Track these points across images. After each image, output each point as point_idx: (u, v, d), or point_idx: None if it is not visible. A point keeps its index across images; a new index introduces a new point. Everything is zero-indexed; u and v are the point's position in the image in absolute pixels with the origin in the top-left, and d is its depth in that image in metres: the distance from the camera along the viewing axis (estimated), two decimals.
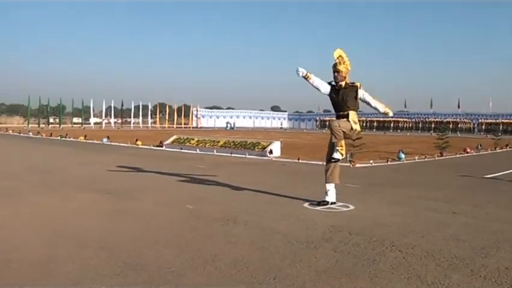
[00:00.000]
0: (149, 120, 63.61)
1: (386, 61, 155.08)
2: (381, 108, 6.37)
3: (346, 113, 6.23)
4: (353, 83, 6.27)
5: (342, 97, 6.23)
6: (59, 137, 27.34)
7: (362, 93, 6.22)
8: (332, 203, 6.15)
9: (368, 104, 6.31)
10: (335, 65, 6.23)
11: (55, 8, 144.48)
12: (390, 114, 6.47)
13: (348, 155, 11.79)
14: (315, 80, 6.21)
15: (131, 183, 8.17)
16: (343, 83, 6.24)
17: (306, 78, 6.13)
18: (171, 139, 19.32)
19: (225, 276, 3.37)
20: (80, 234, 4.55)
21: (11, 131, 36.27)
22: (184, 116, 65.51)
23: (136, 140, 21.02)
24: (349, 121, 6.20)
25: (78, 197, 6.74)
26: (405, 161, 13.97)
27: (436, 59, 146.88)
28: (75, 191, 7.30)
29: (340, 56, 6.25)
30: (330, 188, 6.23)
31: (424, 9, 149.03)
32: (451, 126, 54.08)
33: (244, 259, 3.76)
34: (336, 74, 6.24)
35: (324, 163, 6.45)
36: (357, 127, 6.34)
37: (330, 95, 6.36)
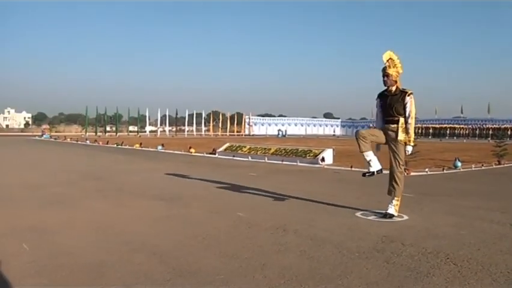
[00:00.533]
0: (203, 128, 64.80)
1: (442, 65, 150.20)
2: (410, 134, 5.90)
3: (396, 119, 5.92)
4: (404, 89, 5.95)
5: (390, 103, 5.93)
6: (115, 145, 28.32)
7: (407, 101, 5.85)
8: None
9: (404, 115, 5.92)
10: (384, 69, 5.93)
11: (113, 19, 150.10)
12: (409, 149, 5.92)
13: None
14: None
15: (184, 190, 8.30)
16: (393, 88, 5.94)
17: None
18: (224, 147, 19.51)
19: (274, 286, 3.34)
20: (133, 239, 4.66)
21: (69, 139, 37.95)
22: (236, 123, 66.26)
23: (190, 148, 21.39)
24: (398, 128, 5.88)
25: (131, 203, 6.92)
26: (461, 170, 13.44)
27: (494, 61, 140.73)
28: (129, 197, 7.50)
29: (390, 58, 5.95)
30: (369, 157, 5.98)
31: (480, 10, 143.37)
32: (509, 132, 51.60)
33: (294, 268, 3.71)
34: (385, 78, 5.93)
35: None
36: (404, 137, 5.89)
37: (379, 101, 6.11)
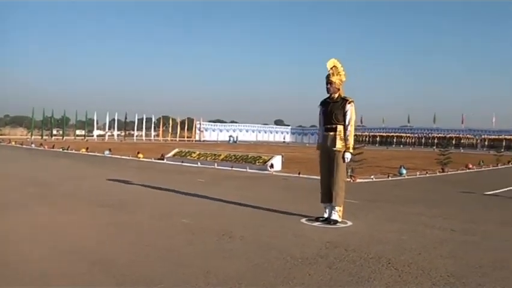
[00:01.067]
0: (153, 133, 63.76)
1: (389, 75, 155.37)
2: (349, 141, 5.98)
3: (334, 126, 6.04)
4: (346, 97, 6.08)
5: (331, 110, 6.04)
6: (61, 149, 27.42)
7: (348, 108, 5.97)
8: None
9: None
10: (328, 76, 6.06)
11: (58, 19, 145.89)
12: (347, 156, 5.98)
13: (349, 170, 11.74)
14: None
15: (129, 196, 8.12)
16: (336, 95, 6.07)
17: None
18: (173, 152, 19.30)
19: None
20: (76, 247, 4.50)
21: (13, 143, 36.38)
22: (187, 129, 65.67)
23: (138, 153, 21.02)
24: (336, 136, 6.00)
25: (75, 209, 6.69)
26: (406, 177, 13.90)
27: (440, 74, 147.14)
28: (73, 204, 7.26)
29: (334, 66, 6.09)
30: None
31: (427, 20, 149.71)
32: (453, 141, 54.16)
33: (238, 275, 3.69)
34: (329, 85, 6.06)
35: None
36: (342, 145, 5.97)
37: (321, 107, 6.23)
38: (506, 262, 4.28)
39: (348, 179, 11.74)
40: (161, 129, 64.50)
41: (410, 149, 49.38)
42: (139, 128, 62.11)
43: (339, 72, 6.09)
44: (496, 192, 10.42)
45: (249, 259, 4.17)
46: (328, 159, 6.11)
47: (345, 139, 6.01)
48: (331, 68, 6.08)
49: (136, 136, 60.72)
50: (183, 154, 18.68)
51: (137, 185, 9.85)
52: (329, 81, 6.05)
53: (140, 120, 61.97)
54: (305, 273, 3.80)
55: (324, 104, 6.19)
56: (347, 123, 6.03)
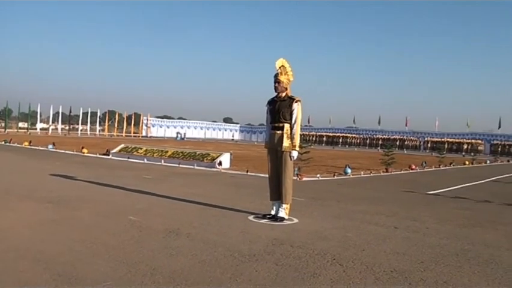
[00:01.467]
0: (98, 127, 62.16)
1: (336, 77, 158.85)
2: (295, 140, 6.09)
3: (281, 125, 6.13)
4: (293, 96, 6.18)
5: (278, 108, 6.13)
6: (3, 142, 26.26)
7: (294, 107, 6.09)
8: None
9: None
10: (276, 75, 6.14)
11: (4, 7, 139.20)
12: (294, 154, 6.08)
13: (295, 169, 11.93)
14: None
15: (73, 193, 7.90)
16: (283, 94, 6.16)
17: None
18: (118, 148, 18.92)
19: None
20: (17, 245, 4.34)
21: None
22: (134, 124, 64.43)
23: (82, 148, 20.43)
24: (283, 135, 6.09)
25: (16, 205, 6.44)
26: (351, 176, 14.29)
27: (385, 77, 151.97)
28: (14, 199, 6.98)
29: (282, 65, 6.17)
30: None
31: (372, 23, 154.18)
32: (397, 143, 56.12)
33: (184, 272, 3.69)
34: (276, 84, 6.14)
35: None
36: (289, 144, 6.07)
37: (268, 105, 6.30)
38: (447, 258, 4.52)
39: (295, 178, 11.93)
40: (107, 124, 62.94)
41: (355, 149, 50.78)
42: (84, 122, 60.31)
43: (287, 72, 6.18)
44: (437, 192, 10.92)
45: (195, 256, 4.18)
46: (276, 157, 6.21)
47: (291, 137, 6.12)
48: (279, 68, 6.16)
49: (81, 130, 58.97)
50: (129, 150, 18.34)
51: (82, 181, 9.59)
52: (277, 80, 6.13)
53: (85, 114, 60.12)
54: (252, 269, 3.85)
55: (272, 102, 6.27)
56: (293, 121, 6.14)
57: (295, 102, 6.12)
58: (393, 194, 10.43)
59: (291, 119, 6.13)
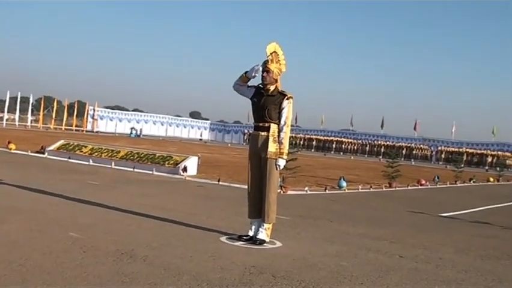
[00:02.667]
0: (30, 117, 61.19)
1: (331, 67, 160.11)
2: (283, 145, 6.13)
3: (267, 125, 6.11)
4: (284, 91, 6.18)
5: (264, 104, 6.11)
6: None
7: (285, 105, 6.09)
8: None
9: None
10: (265, 63, 6.13)
11: None
12: (280, 163, 6.08)
13: (279, 179, 11.96)
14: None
15: None
16: (272, 87, 6.15)
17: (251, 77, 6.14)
18: (57, 144, 18.71)
19: None
20: None
21: None
22: (76, 115, 63.70)
23: (8, 143, 20.10)
24: (268, 137, 6.09)
25: None
26: (346, 191, 14.40)
27: (393, 71, 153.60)
28: None
29: (275, 51, 6.16)
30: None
31: (370, 9, 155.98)
32: (404, 152, 56.55)
33: None
34: (265, 73, 6.11)
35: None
36: (275, 150, 6.09)
37: (252, 98, 6.28)
38: None
39: (278, 190, 11.97)
40: (41, 113, 62.08)
41: (352, 157, 51.08)
42: (11, 110, 59.41)
43: (279, 60, 6.17)
44: (453, 214, 11.08)
45: (154, 285, 4.16)
46: (258, 165, 6.21)
47: (279, 142, 6.14)
48: (271, 54, 6.14)
49: (7, 120, 58.03)
50: (71, 148, 18.15)
51: (9, 185, 9.45)
52: (265, 69, 6.10)
53: (13, 100, 59.19)
54: None
55: (257, 95, 6.26)
56: (282, 122, 6.14)
57: (287, 99, 6.12)
58: (398, 214, 10.56)
59: (279, 120, 6.14)
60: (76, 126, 62.05)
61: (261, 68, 6.12)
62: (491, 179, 26.75)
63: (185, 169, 14.70)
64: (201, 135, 71.56)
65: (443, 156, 55.99)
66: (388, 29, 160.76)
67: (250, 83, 6.34)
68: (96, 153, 17.20)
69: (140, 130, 60.83)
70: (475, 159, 53.84)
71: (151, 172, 14.79)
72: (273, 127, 6.11)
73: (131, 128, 60.14)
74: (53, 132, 43.33)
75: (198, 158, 15.92)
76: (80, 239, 5.56)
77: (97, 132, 57.60)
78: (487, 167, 47.37)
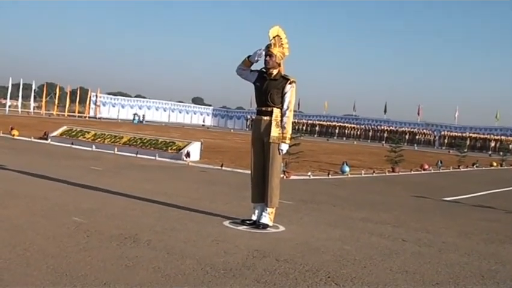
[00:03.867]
0: (32, 104, 61.19)
1: (334, 50, 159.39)
2: (286, 130, 6.11)
3: (270, 110, 6.12)
4: (287, 75, 6.17)
5: (267, 88, 6.11)
6: None
7: (288, 89, 6.08)
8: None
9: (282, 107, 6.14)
10: (268, 46, 6.12)
11: None
12: (283, 148, 6.10)
13: (282, 164, 11.98)
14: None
15: (2, 186, 7.80)
16: (274, 71, 6.14)
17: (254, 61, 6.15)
18: (60, 130, 18.72)
19: None
20: None
21: None
22: (79, 102, 63.78)
23: (12, 129, 20.13)
24: (271, 122, 6.09)
25: None
26: (349, 175, 14.41)
27: (396, 54, 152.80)
28: None
29: (278, 35, 6.15)
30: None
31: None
32: (407, 137, 56.47)
33: None
34: (268, 57, 6.11)
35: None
36: (278, 134, 6.08)
37: (255, 82, 6.29)
38: (469, 279, 4.59)
39: (282, 175, 11.98)
40: (44, 99, 62.10)
41: (355, 142, 51.07)
42: (14, 97, 59.44)
43: (282, 43, 6.17)
44: (456, 198, 11.09)
45: (157, 269, 4.17)
46: (261, 149, 6.22)
47: (282, 127, 6.13)
48: (274, 37, 6.13)
49: (9, 107, 58.05)
50: (73, 134, 18.16)
51: (13, 171, 9.47)
52: (268, 53, 6.10)
53: (16, 87, 59.21)
54: (228, 287, 3.86)
55: (260, 79, 6.26)
56: (285, 107, 6.14)
57: (289, 83, 6.12)
58: (401, 199, 10.56)
59: (282, 104, 6.13)
60: (79, 112, 62.09)
61: (263, 52, 6.11)
62: (495, 164, 26.71)
63: (188, 154, 14.70)
64: (203, 121, 71.56)
65: (446, 141, 55.84)
66: (391, 14, 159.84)
67: (253, 67, 6.34)
68: (99, 139, 17.21)
69: (143, 116, 60.84)
70: (478, 144, 53.67)
71: (153, 158, 14.80)
72: (276, 111, 6.11)
73: (134, 114, 60.18)
74: (55, 119, 43.36)
75: (201, 144, 15.92)
76: (84, 224, 5.58)
77: (99, 118, 57.61)
78: (490, 152, 47.22)
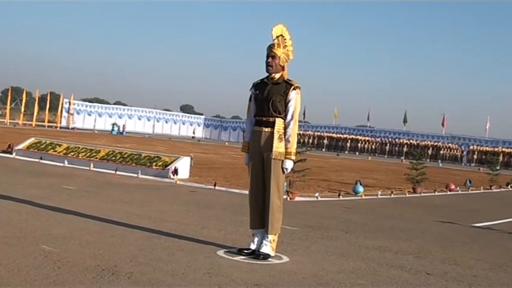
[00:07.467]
0: None
1: (346, 52, 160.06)
2: (291, 144, 6.11)
3: (272, 120, 6.07)
4: (291, 80, 6.14)
5: (269, 95, 6.06)
6: None
7: (292, 97, 6.06)
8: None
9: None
10: (270, 47, 6.09)
11: None
12: (288, 166, 6.11)
13: (285, 184, 11.95)
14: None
15: None
16: (277, 75, 6.11)
17: None
18: (26, 143, 18.73)
19: None
20: None
21: None
22: (49, 109, 63.89)
23: None
24: (273, 134, 6.05)
25: None
26: (363, 197, 14.38)
27: (415, 61, 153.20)
28: None
29: (281, 35, 6.14)
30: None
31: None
32: (430, 152, 56.46)
33: None
34: (270, 59, 6.07)
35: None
36: (282, 149, 6.05)
37: (253, 91, 6.26)
38: None
39: (285, 196, 11.95)
40: (8, 106, 62.27)
41: (369, 158, 51.16)
42: None
43: (286, 44, 6.16)
44: (488, 224, 11.07)
45: None
46: (261, 166, 6.18)
47: (286, 140, 6.11)
48: (277, 37, 6.11)
49: None
50: (42, 147, 18.17)
51: None
52: (271, 54, 6.07)
53: None
54: None
55: (259, 86, 6.21)
56: (289, 117, 6.10)
57: (294, 89, 6.09)
58: (424, 224, 10.52)
59: (285, 113, 6.10)
60: (49, 121, 62.16)
61: None
62: None
63: (175, 171, 14.68)
64: (193, 133, 71.65)
65: (475, 156, 55.92)
66: (413, 14, 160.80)
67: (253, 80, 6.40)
68: (72, 153, 17.20)
69: (124, 126, 60.93)
70: None
71: (135, 175, 14.78)
72: (279, 122, 6.07)
73: (113, 124, 60.23)
74: (21, 129, 43.44)
75: (191, 159, 15.91)
76: (54, 253, 5.55)
77: (73, 128, 57.70)
78: None
